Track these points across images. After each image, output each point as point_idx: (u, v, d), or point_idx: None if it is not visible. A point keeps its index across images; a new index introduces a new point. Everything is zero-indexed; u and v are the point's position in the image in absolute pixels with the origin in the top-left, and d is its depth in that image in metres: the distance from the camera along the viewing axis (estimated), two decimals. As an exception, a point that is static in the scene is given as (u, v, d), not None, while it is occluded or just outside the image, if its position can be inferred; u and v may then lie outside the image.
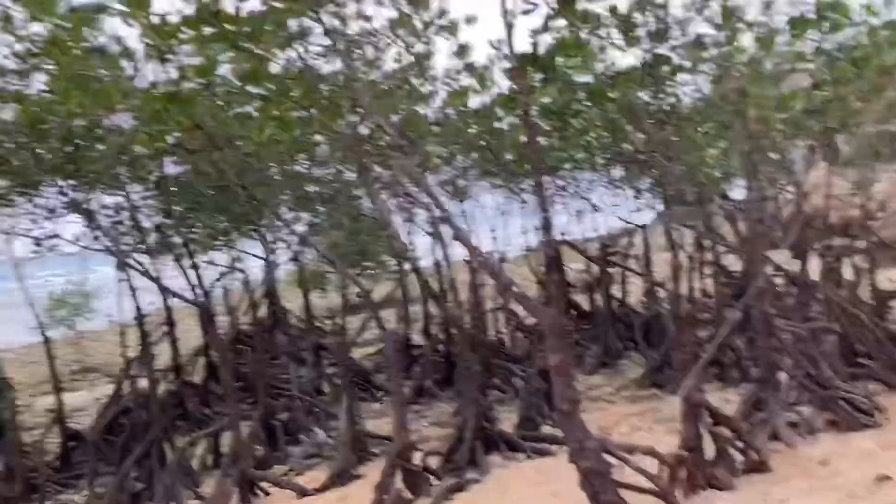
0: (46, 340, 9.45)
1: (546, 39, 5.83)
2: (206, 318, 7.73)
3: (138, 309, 8.53)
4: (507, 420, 8.80)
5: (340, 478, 7.35)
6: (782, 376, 6.68)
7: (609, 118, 7.68)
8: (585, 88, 6.37)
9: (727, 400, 8.45)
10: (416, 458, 6.98)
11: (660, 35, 6.58)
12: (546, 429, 8.37)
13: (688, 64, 7.05)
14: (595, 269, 13.27)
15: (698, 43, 6.79)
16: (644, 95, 7.06)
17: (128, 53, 6.21)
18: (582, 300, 14.81)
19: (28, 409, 15.12)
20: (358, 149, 5.83)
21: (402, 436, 6.36)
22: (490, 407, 7.83)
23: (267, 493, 7.25)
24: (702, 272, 13.93)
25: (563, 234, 13.54)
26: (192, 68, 5.93)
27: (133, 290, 8.53)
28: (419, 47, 6.69)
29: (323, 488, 7.07)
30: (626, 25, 6.33)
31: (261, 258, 12.46)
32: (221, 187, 8.68)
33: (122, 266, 7.81)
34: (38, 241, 9.38)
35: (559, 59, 6.14)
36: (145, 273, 7.43)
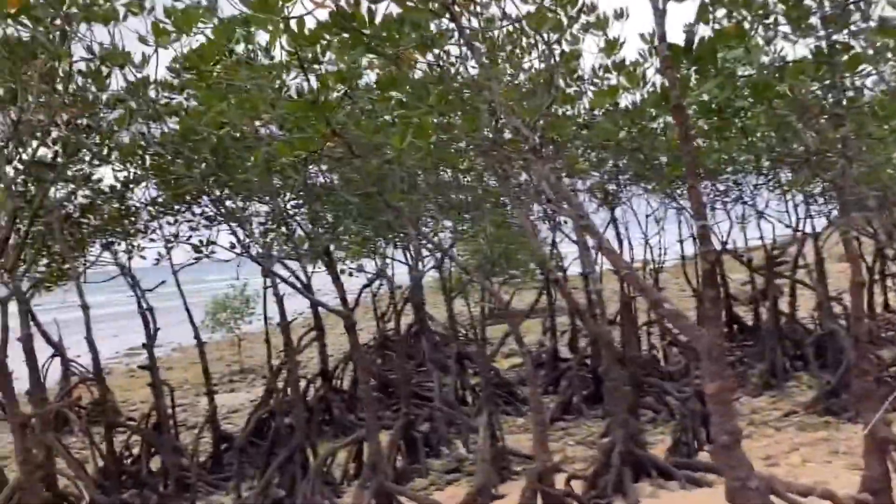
0: (200, 343, 9.77)
1: (703, 30, 5.32)
2: (349, 324, 7.66)
3: (283, 315, 8.64)
4: (661, 444, 8.20)
5: (480, 496, 7.04)
6: None
7: (776, 115, 6.96)
8: (748, 82, 5.72)
9: (917, 433, 7.45)
10: (559, 481, 6.58)
11: (836, 20, 5.83)
12: (703, 455, 7.70)
13: (870, 52, 6.23)
14: (760, 280, 12.29)
15: (883, 27, 5.97)
16: (817, 89, 6.31)
17: (274, 65, 6.26)
18: (746, 314, 13.83)
19: (192, 408, 15.99)
20: (497, 154, 5.53)
21: (542, 457, 5.97)
22: (640, 429, 7.27)
23: (405, 508, 7.08)
24: (884, 285, 12.62)
25: (724, 242, 12.66)
26: (331, 75, 5.88)
27: (277, 296, 8.66)
28: (564, 45, 6.32)
29: (461, 506, 6.79)
30: (796, 11, 5.66)
31: (407, 265, 12.48)
32: (366, 195, 8.68)
33: (268, 273, 7.90)
34: (196, 248, 9.78)
35: (718, 52, 5.60)
36: (287, 280, 7.46)
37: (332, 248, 10.48)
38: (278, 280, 8.90)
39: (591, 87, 7.62)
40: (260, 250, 8.90)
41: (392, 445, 8.50)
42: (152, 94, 6.81)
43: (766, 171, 10.42)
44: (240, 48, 5.92)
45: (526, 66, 7.29)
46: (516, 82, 7.22)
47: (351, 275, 11.29)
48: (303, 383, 12.41)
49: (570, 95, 7.46)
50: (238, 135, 7.41)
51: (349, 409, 12.12)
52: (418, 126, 6.18)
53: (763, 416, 9.31)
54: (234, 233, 7.81)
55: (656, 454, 7.46)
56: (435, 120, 6.34)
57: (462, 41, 4.60)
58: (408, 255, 12.17)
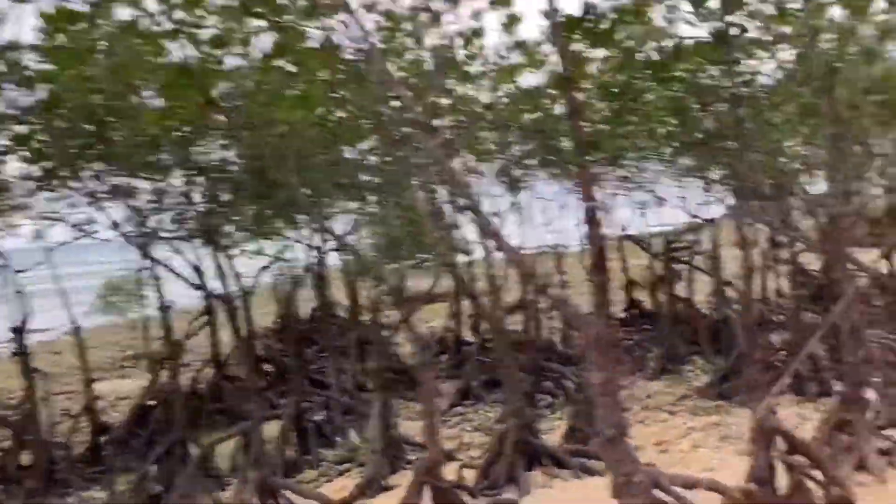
0: (77, 331, 9.10)
1: (602, 5, 5.12)
2: (231, 309, 7.23)
3: (161, 300, 8.11)
4: (558, 429, 8.09)
5: (369, 488, 6.77)
6: (870, 394, 5.80)
7: (675, 98, 6.87)
8: (648, 63, 5.58)
9: (804, 417, 7.59)
10: (451, 470, 6.36)
11: (734, 2, 5.75)
12: (598, 441, 7.63)
13: (767, 37, 6.18)
14: (660, 265, 12.40)
15: (779, 12, 5.92)
16: (715, 73, 6.24)
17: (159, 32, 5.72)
18: (646, 298, 13.98)
19: (76, 396, 15.10)
20: (389, 130, 5.22)
21: (432, 448, 5.72)
22: (539, 415, 7.13)
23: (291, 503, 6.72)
24: (777, 271, 12.91)
25: (623, 227, 12.73)
26: (208, 40, 5.44)
27: (156, 278, 8.11)
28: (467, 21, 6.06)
29: (348, 500, 6.49)
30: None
31: (309, 246, 12.02)
32: (260, 173, 8.24)
33: (146, 255, 7.37)
34: (79, 227, 9.10)
35: (617, 30, 5.43)
36: (164, 263, 6.96)
37: (225, 228, 9.99)
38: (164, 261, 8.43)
39: (493, 67, 7.39)
40: (145, 230, 8.36)
41: (282, 435, 8.12)
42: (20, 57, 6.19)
43: (666, 157, 10.46)
44: (126, 12, 5.40)
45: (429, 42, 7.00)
46: (415, 58, 6.91)
47: (250, 257, 10.79)
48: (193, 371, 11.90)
49: (469, 74, 7.21)
50: (115, 104, 6.85)
51: (244, 397, 11.63)
52: (304, 98, 5.80)
53: (658, 400, 9.35)
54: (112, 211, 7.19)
55: (551, 442, 7.34)
56: (329, 94, 5.98)
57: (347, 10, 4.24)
58: (311, 237, 11.72)
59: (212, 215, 9.27)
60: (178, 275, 7.16)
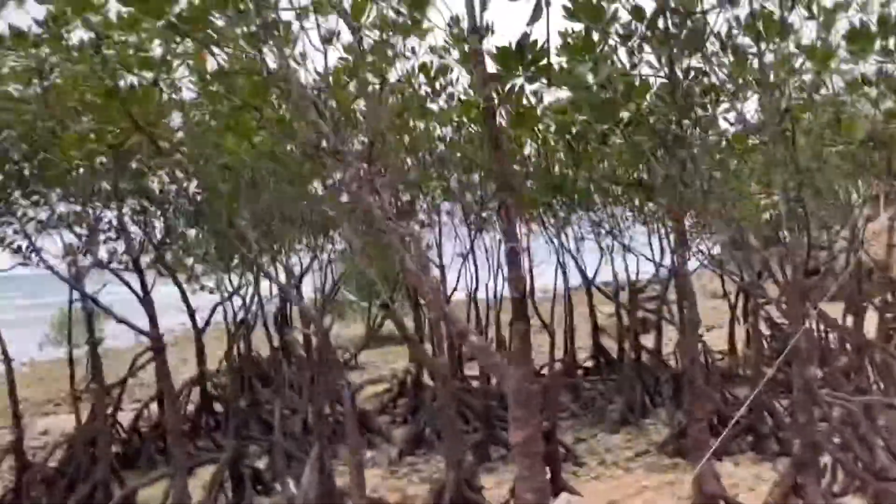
0: (7, 359, 8.58)
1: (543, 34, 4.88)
2: (156, 347, 6.83)
3: (91, 332, 7.69)
4: (507, 483, 7.67)
5: (297, 543, 6.33)
6: (826, 459, 5.48)
7: (634, 143, 6.64)
8: (593, 100, 5.32)
9: (760, 479, 7.25)
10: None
11: (692, 43, 5.53)
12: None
13: (727, 84, 5.97)
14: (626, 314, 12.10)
15: (740, 55, 5.71)
16: (671, 115, 6.01)
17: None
18: (615, 346, 13.65)
19: (26, 430, 14.49)
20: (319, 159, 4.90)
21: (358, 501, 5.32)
22: (475, 471, 6.74)
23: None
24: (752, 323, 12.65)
25: (593, 276, 12.46)
26: (135, 59, 5.15)
27: (87, 311, 7.71)
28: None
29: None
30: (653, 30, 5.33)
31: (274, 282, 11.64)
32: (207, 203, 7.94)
33: (76, 288, 6.97)
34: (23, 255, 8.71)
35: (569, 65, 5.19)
36: (92, 296, 6.57)
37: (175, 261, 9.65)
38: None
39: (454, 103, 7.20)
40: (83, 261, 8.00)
41: (214, 481, 7.66)
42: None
43: (634, 203, 10.25)
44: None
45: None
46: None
47: (209, 291, 10.45)
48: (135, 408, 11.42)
49: (428, 109, 6.98)
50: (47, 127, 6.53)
51: (190, 438, 11.14)
52: (236, 124, 5.51)
53: (615, 455, 8.98)
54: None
55: (498, 497, 6.94)
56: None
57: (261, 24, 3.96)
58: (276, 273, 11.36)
59: (163, 247, 8.96)
60: (106, 310, 6.74)
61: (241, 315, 13.59)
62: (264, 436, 10.09)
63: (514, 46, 3.98)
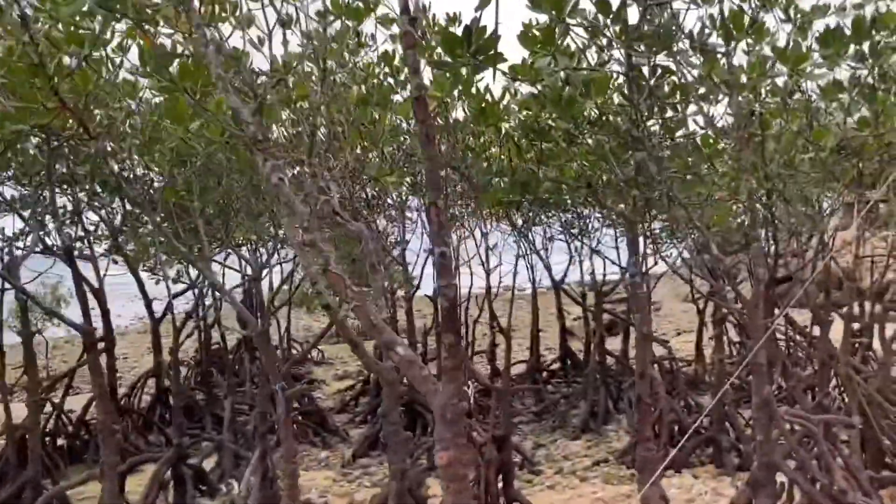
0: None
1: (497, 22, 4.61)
2: (88, 342, 6.50)
3: (24, 323, 7.32)
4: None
5: (232, 552, 6.03)
6: (782, 479, 5.26)
7: (598, 143, 6.39)
8: (550, 95, 5.07)
9: (719, 494, 7.04)
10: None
11: (661, 40, 5.27)
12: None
13: (697, 85, 5.71)
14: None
15: (710, 54, 5.44)
16: (633, 115, 5.75)
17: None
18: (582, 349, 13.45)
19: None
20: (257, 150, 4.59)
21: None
22: (421, 481, 6.47)
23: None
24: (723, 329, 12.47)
25: (562, 278, 12.22)
26: (63, 37, 4.82)
27: (20, 299, 7.34)
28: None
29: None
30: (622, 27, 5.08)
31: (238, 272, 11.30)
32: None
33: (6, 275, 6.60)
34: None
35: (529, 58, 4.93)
36: (18, 286, 6.21)
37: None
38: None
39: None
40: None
41: (153, 481, 7.33)
42: None
43: (604, 204, 10.00)
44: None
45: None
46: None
47: (158, 282, 10.11)
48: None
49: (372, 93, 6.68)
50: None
51: (142, 433, 10.80)
52: (172, 109, 5.18)
53: (574, 463, 8.74)
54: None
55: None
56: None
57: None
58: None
59: (120, 235, 8.62)
60: (34, 301, 6.38)
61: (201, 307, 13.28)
62: (219, 433, 9.77)
63: (461, 33, 3.70)
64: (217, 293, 11.19)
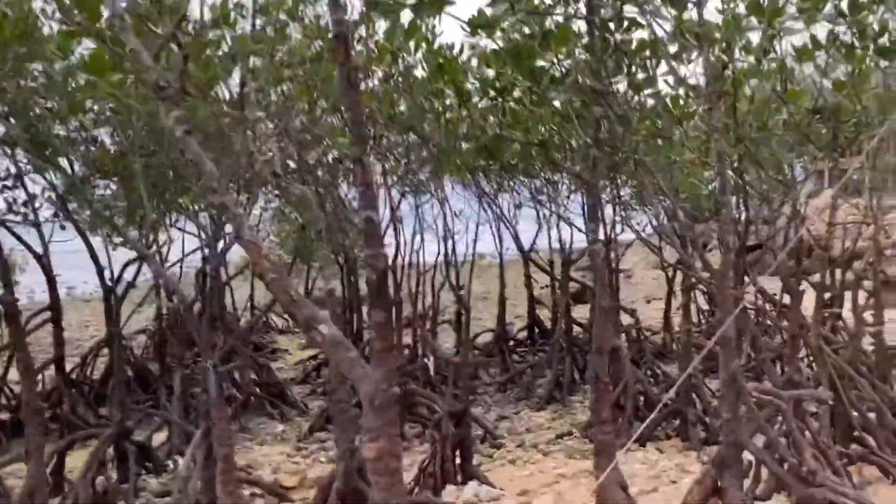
0: None
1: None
2: (10, 312, 6.03)
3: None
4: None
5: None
6: (749, 458, 5.00)
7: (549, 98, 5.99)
8: (507, 48, 4.67)
9: (684, 470, 6.79)
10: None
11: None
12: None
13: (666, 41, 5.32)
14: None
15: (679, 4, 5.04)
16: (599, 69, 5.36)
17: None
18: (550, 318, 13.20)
19: None
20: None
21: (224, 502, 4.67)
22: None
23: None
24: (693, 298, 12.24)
25: (530, 246, 11.89)
26: None
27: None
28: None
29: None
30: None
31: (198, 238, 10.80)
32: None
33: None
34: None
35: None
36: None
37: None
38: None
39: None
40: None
41: (93, 458, 6.94)
42: None
43: (571, 171, 9.64)
44: None
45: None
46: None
47: (115, 248, 9.61)
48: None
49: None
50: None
51: (91, 407, 10.38)
52: (91, 60, 4.72)
53: (536, 436, 8.47)
54: None
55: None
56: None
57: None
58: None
59: (67, 199, 8.15)
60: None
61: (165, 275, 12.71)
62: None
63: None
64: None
